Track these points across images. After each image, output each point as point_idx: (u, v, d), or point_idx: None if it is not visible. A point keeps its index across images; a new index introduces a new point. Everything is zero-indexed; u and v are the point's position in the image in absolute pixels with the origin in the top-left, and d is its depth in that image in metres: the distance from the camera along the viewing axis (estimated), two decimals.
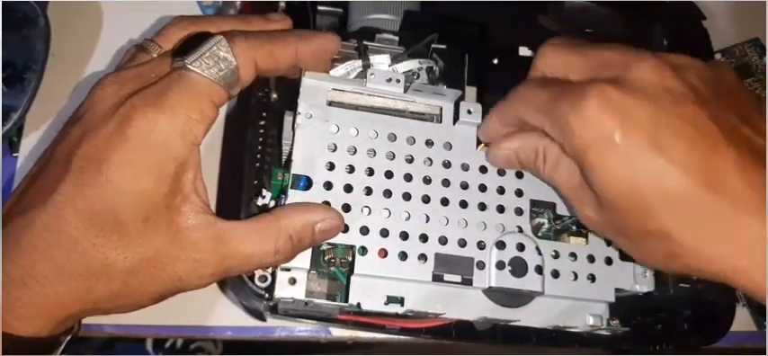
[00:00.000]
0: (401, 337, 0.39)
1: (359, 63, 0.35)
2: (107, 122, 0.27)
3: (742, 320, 0.45)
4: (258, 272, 0.33)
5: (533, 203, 0.35)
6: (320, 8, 0.41)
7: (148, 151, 0.27)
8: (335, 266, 0.33)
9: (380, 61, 0.36)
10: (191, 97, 0.28)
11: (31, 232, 0.26)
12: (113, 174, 0.26)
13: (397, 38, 0.39)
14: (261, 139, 0.36)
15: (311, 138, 0.33)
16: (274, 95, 0.37)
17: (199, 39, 0.29)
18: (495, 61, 0.40)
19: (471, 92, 0.40)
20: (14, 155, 0.45)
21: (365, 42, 0.37)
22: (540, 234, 0.35)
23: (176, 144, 0.28)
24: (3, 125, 0.42)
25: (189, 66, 0.28)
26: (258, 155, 0.35)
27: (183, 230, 0.28)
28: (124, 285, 0.27)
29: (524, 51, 0.40)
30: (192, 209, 0.28)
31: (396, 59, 0.36)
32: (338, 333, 0.44)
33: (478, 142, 0.35)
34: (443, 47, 0.39)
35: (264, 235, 0.29)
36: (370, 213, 0.33)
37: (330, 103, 0.35)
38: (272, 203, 0.34)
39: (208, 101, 0.29)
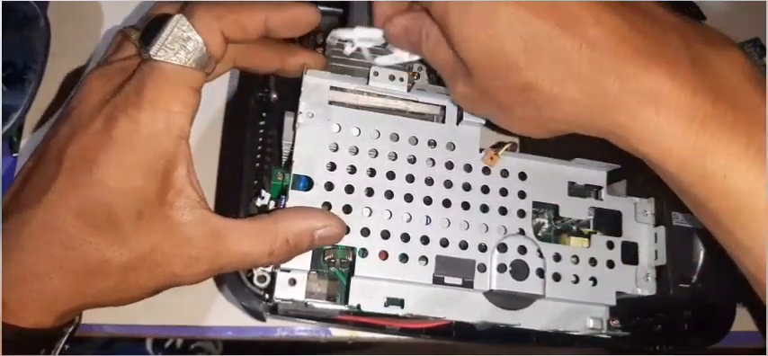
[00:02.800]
0: (401, 337, 0.38)
1: (381, 34, 0.33)
2: (93, 121, 0.27)
3: (742, 320, 0.45)
4: (257, 273, 0.33)
5: (536, 205, 0.35)
6: (320, 8, 0.41)
7: (135, 150, 0.27)
8: (335, 266, 0.33)
9: (384, 61, 0.35)
10: (167, 89, 0.27)
11: (29, 230, 0.26)
12: (103, 174, 0.26)
13: None
14: (260, 139, 0.35)
15: (312, 138, 0.33)
16: (274, 95, 0.37)
17: (158, 22, 0.28)
18: None
19: None
20: (14, 155, 0.45)
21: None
22: (540, 234, 0.35)
23: (162, 140, 0.27)
24: (3, 125, 0.42)
25: (154, 57, 0.27)
26: (258, 156, 0.35)
27: (178, 226, 0.28)
28: (121, 280, 0.27)
29: None
30: (187, 203, 0.28)
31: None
32: (338, 333, 0.44)
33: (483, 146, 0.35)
34: None
35: (261, 236, 0.29)
36: (371, 214, 0.33)
37: (332, 102, 0.34)
38: (272, 204, 0.34)
39: (185, 88, 0.28)
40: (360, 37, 0.34)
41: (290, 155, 0.33)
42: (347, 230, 0.32)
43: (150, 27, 0.28)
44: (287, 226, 0.29)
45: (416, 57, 0.34)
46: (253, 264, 0.30)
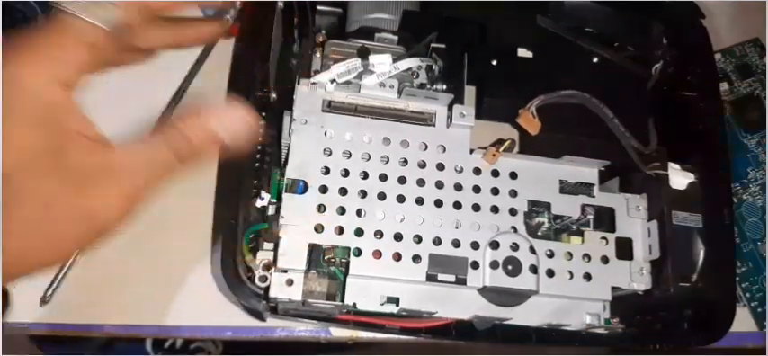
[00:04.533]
0: (401, 337, 0.38)
1: (359, 62, 0.35)
2: None
3: (742, 320, 0.45)
4: (257, 273, 0.33)
5: (534, 204, 0.35)
6: (319, 8, 0.41)
7: (18, 102, 0.25)
8: (335, 266, 0.34)
9: (382, 61, 0.36)
10: (55, 39, 0.26)
11: None
12: None
13: (396, 37, 0.39)
14: (260, 139, 0.36)
15: (306, 143, 0.34)
16: (274, 95, 0.37)
17: None
18: (494, 62, 0.39)
19: (471, 91, 0.40)
20: None
21: (367, 44, 0.37)
22: (539, 233, 0.35)
23: (44, 91, 0.26)
24: None
25: (60, 8, 0.26)
26: (257, 156, 0.35)
27: (74, 168, 0.26)
28: (45, 212, 0.25)
29: (523, 53, 0.40)
30: (80, 146, 0.27)
31: (396, 59, 0.36)
32: (338, 333, 0.44)
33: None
34: (442, 46, 0.39)
35: (155, 137, 0.28)
36: (364, 216, 0.33)
37: (325, 108, 0.35)
38: (272, 209, 0.34)
39: (75, 40, 0.26)
40: (338, 72, 0.35)
41: (287, 157, 0.34)
42: (341, 231, 0.33)
43: None
44: (176, 121, 0.28)
45: (404, 67, 0.35)
46: (161, 170, 0.28)
